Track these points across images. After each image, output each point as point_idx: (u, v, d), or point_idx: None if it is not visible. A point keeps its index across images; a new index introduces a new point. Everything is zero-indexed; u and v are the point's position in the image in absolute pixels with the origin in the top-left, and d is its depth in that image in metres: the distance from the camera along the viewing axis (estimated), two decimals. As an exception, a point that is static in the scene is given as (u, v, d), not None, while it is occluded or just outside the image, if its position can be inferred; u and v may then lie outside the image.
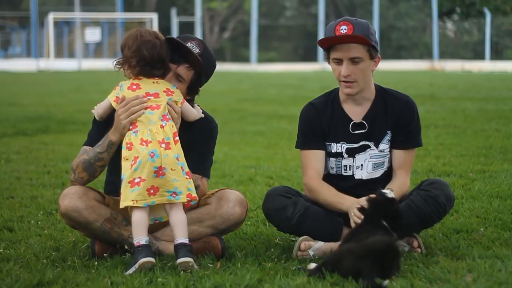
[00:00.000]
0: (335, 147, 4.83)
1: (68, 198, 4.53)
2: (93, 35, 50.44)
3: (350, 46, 4.66)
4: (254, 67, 46.08)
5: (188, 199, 4.40)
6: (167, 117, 4.47)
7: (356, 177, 4.82)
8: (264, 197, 4.84)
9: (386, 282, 3.87)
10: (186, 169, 4.42)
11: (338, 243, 4.61)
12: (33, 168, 8.44)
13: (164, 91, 4.49)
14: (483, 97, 18.65)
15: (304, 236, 4.67)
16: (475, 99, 18.09)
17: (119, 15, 52.34)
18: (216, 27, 62.75)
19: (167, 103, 4.48)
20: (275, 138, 11.79)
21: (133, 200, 4.32)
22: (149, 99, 4.45)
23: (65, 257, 4.58)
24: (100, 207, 4.61)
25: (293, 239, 4.99)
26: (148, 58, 4.46)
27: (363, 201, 4.52)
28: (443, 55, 53.20)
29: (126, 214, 4.68)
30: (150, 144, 4.35)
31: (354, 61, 4.68)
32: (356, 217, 4.47)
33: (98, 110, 4.65)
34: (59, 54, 54.32)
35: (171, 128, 4.44)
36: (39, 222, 5.67)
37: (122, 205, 4.37)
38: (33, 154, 9.74)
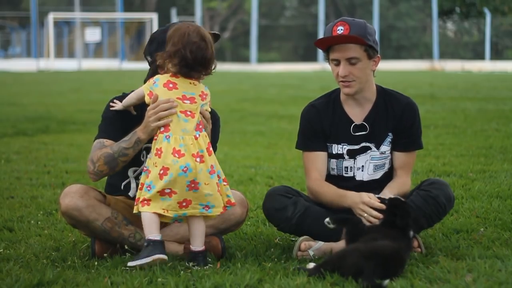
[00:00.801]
0: (336, 148, 4.83)
1: (69, 197, 4.53)
2: (93, 35, 50.46)
3: (346, 47, 4.66)
4: (254, 67, 46.07)
5: (226, 207, 4.41)
6: (200, 126, 4.38)
7: (357, 178, 4.82)
8: (264, 197, 4.84)
9: (387, 282, 3.87)
10: (223, 175, 4.40)
11: (338, 243, 4.62)
12: (33, 168, 8.44)
13: (200, 95, 4.39)
14: (483, 97, 18.66)
15: (304, 236, 4.67)
16: (475, 99, 18.09)
17: (119, 15, 52.34)
18: (216, 27, 62.70)
19: (200, 112, 4.40)
20: (275, 138, 11.79)
21: (163, 209, 4.29)
22: (185, 102, 4.35)
23: (65, 257, 4.58)
24: (101, 206, 4.61)
25: (293, 239, 4.99)
26: (190, 60, 4.34)
27: (365, 196, 4.53)
28: (443, 55, 53.20)
29: (127, 213, 4.69)
30: (183, 157, 4.26)
31: (351, 61, 4.68)
32: (372, 218, 4.46)
33: (127, 100, 4.57)
34: (59, 54, 54.33)
35: (205, 139, 4.36)
36: (39, 222, 5.67)
37: (151, 210, 4.28)
38: (33, 154, 9.74)
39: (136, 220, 4.68)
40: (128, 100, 4.58)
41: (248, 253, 4.66)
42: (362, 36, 4.63)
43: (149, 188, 4.29)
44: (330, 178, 4.85)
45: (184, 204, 4.30)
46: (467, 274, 4.08)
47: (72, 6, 55.42)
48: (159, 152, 4.29)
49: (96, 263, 4.44)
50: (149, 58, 4.71)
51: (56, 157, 9.40)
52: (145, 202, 4.31)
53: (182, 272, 4.19)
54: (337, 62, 4.71)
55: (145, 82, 4.72)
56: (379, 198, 4.52)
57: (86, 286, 4.03)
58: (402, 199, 4.47)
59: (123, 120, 4.62)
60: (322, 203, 4.77)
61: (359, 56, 4.68)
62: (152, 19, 47.75)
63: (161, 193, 4.27)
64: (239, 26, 64.12)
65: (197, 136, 4.33)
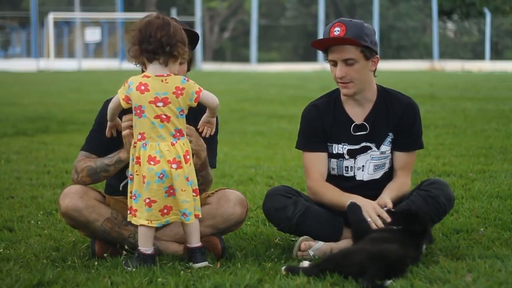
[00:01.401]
0: (336, 148, 4.83)
1: (68, 197, 4.54)
2: (93, 35, 50.46)
3: (343, 48, 4.67)
4: (254, 67, 46.06)
5: (196, 219, 4.39)
6: (182, 133, 4.31)
7: (357, 178, 4.82)
8: (264, 197, 4.83)
9: (389, 282, 3.86)
10: (194, 186, 4.36)
11: (338, 243, 4.62)
12: (33, 168, 8.44)
13: (174, 92, 4.24)
14: (483, 97, 18.65)
15: (304, 236, 4.67)
16: (475, 99, 18.09)
17: (119, 15, 52.34)
18: (216, 27, 62.75)
19: (187, 135, 4.33)
20: (275, 138, 11.78)
21: (147, 220, 4.30)
22: (158, 106, 4.23)
23: (65, 257, 4.58)
24: (101, 206, 4.61)
25: (293, 239, 4.99)
26: (149, 39, 4.24)
27: (361, 200, 4.54)
28: (443, 55, 53.20)
29: (127, 214, 4.69)
30: (158, 164, 4.24)
31: (347, 62, 4.68)
32: (379, 222, 4.47)
33: (109, 113, 4.45)
34: (59, 54, 54.35)
35: (183, 146, 4.31)
36: (39, 222, 5.67)
37: (138, 222, 4.31)
38: (33, 154, 9.74)
39: (136, 220, 4.69)
40: (110, 112, 4.45)
41: (248, 253, 4.66)
42: (358, 37, 4.63)
43: (135, 197, 4.31)
44: (331, 178, 4.84)
45: (165, 211, 4.31)
46: (467, 274, 4.08)
47: (72, 6, 55.43)
48: (139, 160, 4.29)
49: (96, 263, 4.44)
50: None
51: (56, 157, 9.40)
52: (133, 212, 4.34)
53: (182, 272, 4.19)
54: (335, 63, 4.72)
55: None
56: (388, 211, 4.50)
57: (86, 286, 4.02)
58: (420, 210, 4.46)
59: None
60: (322, 203, 4.77)
61: (355, 57, 4.67)
62: (152, 19, 47.64)
63: (145, 203, 4.28)
64: (239, 26, 64.13)
65: (174, 142, 4.28)
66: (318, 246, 4.62)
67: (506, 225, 5.27)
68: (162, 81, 4.28)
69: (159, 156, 4.25)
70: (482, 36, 52.88)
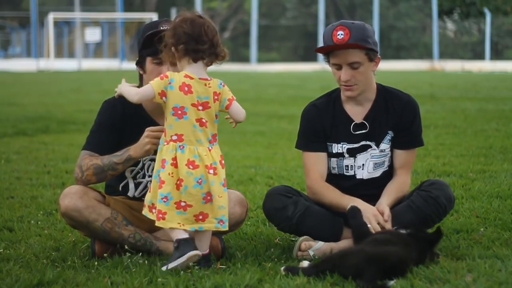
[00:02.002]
0: (336, 148, 4.83)
1: (68, 197, 4.53)
2: (93, 35, 50.46)
3: (347, 52, 4.66)
4: (254, 67, 46.07)
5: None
6: (216, 138, 4.26)
7: (357, 176, 4.82)
8: (264, 197, 4.83)
9: (392, 282, 3.86)
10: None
11: (338, 243, 4.62)
12: (33, 168, 8.43)
13: (213, 97, 4.21)
14: (483, 97, 18.65)
15: (304, 236, 4.66)
16: (475, 99, 18.09)
17: (119, 15, 52.34)
18: (216, 27, 62.67)
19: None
20: (275, 138, 11.78)
21: (179, 223, 4.21)
22: (199, 109, 4.16)
23: (65, 257, 4.58)
24: (101, 207, 4.60)
25: (293, 239, 4.99)
26: (190, 33, 4.14)
27: (362, 204, 4.55)
28: (443, 55, 53.20)
29: (127, 214, 4.69)
30: (197, 169, 4.17)
31: (353, 66, 4.67)
32: (379, 229, 4.48)
33: (139, 94, 4.23)
34: (59, 54, 54.34)
35: (218, 151, 4.26)
36: (39, 222, 5.67)
37: (166, 225, 4.20)
38: (33, 154, 9.73)
39: (135, 221, 4.69)
40: (137, 98, 4.26)
41: (248, 253, 4.66)
42: (363, 41, 4.62)
43: (165, 200, 4.20)
44: (331, 177, 4.84)
45: (200, 217, 4.23)
46: (467, 274, 4.07)
47: (72, 6, 55.42)
48: (174, 161, 4.18)
49: (96, 263, 4.43)
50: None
51: (56, 157, 9.40)
52: (161, 216, 4.22)
53: (182, 272, 4.18)
54: (339, 67, 4.71)
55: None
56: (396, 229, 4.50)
57: (86, 286, 4.02)
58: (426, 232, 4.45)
59: (112, 130, 4.62)
60: (322, 203, 4.77)
61: (360, 61, 4.67)
62: (152, 19, 47.69)
63: (177, 205, 4.20)
64: (239, 26, 64.10)
65: (210, 148, 4.23)
66: (318, 246, 4.62)
67: (506, 225, 5.27)
68: (205, 85, 4.23)
69: (198, 160, 4.18)
70: (482, 36, 52.89)
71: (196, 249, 4.20)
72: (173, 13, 51.85)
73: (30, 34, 57.62)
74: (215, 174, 4.21)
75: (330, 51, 4.70)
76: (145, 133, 4.42)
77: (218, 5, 63.63)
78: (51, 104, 18.01)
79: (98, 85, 25.11)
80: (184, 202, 4.19)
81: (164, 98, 4.21)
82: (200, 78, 4.22)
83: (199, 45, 4.20)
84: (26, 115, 14.89)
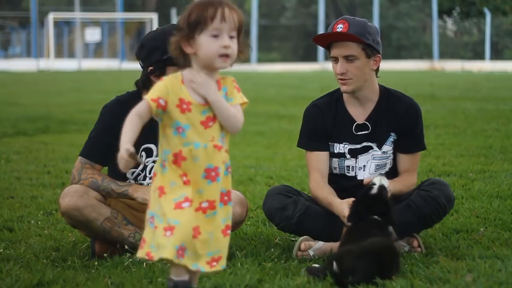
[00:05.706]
0: (338, 148, 4.83)
1: (68, 196, 4.53)
2: (93, 35, 50.48)
3: (344, 44, 4.68)
4: (254, 67, 46.06)
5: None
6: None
7: (359, 177, 4.82)
8: (264, 196, 4.84)
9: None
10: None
11: (338, 243, 4.62)
12: (33, 168, 8.43)
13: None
14: (483, 97, 18.65)
15: (304, 236, 4.67)
16: (475, 99, 18.09)
17: (119, 15, 52.35)
18: (216, 27, 62.72)
19: None
20: (275, 138, 11.79)
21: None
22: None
23: (65, 257, 4.58)
24: (101, 206, 4.61)
25: (293, 239, 4.99)
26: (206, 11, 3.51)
27: (345, 202, 4.56)
28: (443, 55, 53.20)
29: (127, 213, 4.69)
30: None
31: (348, 59, 4.69)
32: (345, 219, 4.49)
33: (126, 136, 3.49)
34: (59, 54, 54.37)
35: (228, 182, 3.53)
36: (39, 222, 5.67)
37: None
38: (33, 154, 9.74)
39: (136, 221, 4.69)
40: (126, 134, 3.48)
41: (248, 253, 4.66)
42: (360, 35, 4.64)
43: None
44: (333, 177, 4.85)
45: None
46: (467, 274, 4.08)
47: (72, 6, 55.44)
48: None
49: (96, 263, 4.43)
50: (141, 63, 4.72)
51: (56, 157, 9.40)
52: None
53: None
54: (336, 60, 4.73)
55: (136, 85, 4.69)
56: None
57: (86, 286, 4.02)
58: (372, 193, 4.42)
59: (111, 135, 4.51)
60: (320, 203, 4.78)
61: (356, 54, 4.68)
62: (152, 19, 47.74)
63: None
64: (239, 26, 64.09)
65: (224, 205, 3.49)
66: (318, 246, 4.62)
67: (506, 225, 5.27)
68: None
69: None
70: (482, 36, 52.88)
71: None
72: (173, 13, 51.86)
73: (30, 34, 57.67)
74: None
75: (331, 44, 4.72)
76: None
77: (218, 5, 63.58)
78: (51, 104, 18.01)
79: (98, 85, 25.10)
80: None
81: None
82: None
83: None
84: (26, 115, 14.89)
